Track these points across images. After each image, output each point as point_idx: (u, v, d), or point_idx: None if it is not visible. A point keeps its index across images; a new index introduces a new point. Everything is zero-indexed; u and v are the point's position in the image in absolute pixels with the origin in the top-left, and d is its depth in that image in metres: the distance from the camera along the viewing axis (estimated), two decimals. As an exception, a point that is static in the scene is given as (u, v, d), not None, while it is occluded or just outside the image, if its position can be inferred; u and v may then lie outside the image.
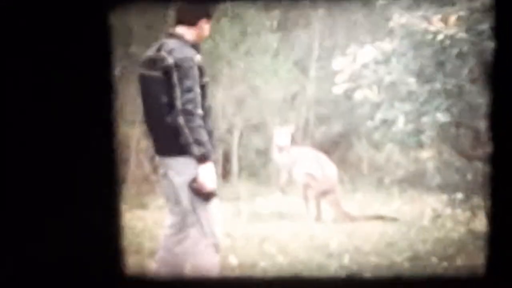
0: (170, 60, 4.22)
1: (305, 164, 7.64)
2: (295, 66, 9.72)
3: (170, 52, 4.25)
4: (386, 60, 5.70)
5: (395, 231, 6.61)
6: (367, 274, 5.20)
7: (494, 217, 2.64)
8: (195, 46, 4.36)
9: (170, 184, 4.39)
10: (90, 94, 2.59)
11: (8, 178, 2.62)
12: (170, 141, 4.26)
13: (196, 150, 4.17)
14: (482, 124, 5.37)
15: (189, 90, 4.18)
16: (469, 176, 5.69)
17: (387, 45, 5.73)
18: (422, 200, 7.63)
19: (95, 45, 2.57)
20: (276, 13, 9.31)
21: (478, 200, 5.70)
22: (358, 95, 5.75)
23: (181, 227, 4.45)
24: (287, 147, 7.77)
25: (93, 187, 2.64)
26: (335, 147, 9.77)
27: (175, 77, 4.20)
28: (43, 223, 2.64)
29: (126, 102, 7.11)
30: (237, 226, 6.94)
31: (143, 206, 7.69)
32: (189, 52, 4.27)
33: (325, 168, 7.63)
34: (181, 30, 4.37)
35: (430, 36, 5.30)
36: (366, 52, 5.73)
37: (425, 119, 5.50)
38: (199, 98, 4.22)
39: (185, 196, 4.30)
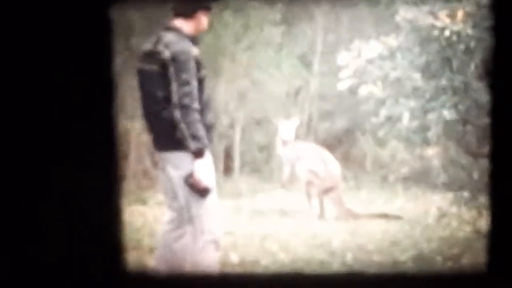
0: (166, 54, 4.22)
1: (308, 161, 7.63)
2: (298, 61, 9.71)
3: (167, 45, 4.25)
4: (391, 56, 5.70)
5: (399, 229, 6.60)
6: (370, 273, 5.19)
7: (496, 216, 2.64)
8: (193, 38, 4.35)
9: (168, 179, 4.40)
10: (91, 90, 2.59)
11: (8, 176, 2.63)
12: (167, 135, 4.26)
13: (192, 144, 4.18)
14: (489, 122, 5.36)
15: (186, 83, 4.18)
16: (475, 174, 5.67)
17: (392, 40, 5.72)
18: (427, 198, 7.62)
19: (95, 40, 2.57)
20: (279, 6, 9.29)
21: (484, 199, 5.68)
22: (362, 91, 5.75)
23: (179, 223, 4.45)
24: (291, 141, 7.77)
25: (93, 184, 2.64)
26: (338, 143, 9.77)
27: (171, 71, 4.20)
28: (43, 220, 2.65)
29: (126, 96, 7.12)
30: (238, 223, 6.94)
31: (142, 201, 7.69)
32: (186, 45, 4.26)
33: (328, 166, 7.62)
34: (178, 22, 4.36)
35: (436, 32, 5.29)
36: (371, 47, 5.73)
37: (430, 116, 5.49)
38: (196, 92, 4.22)
39: (182, 191, 4.31)
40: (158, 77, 4.25)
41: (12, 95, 2.59)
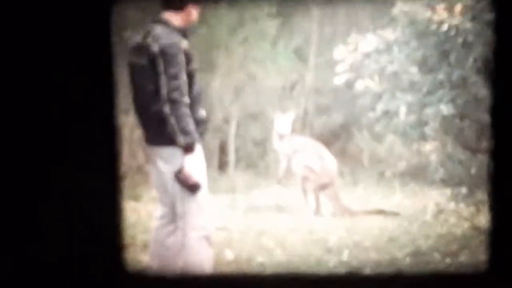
0: (155, 48, 4.21)
1: (305, 156, 7.62)
2: (294, 54, 9.70)
3: (155, 39, 4.24)
4: (388, 49, 5.70)
5: (396, 226, 6.61)
6: (367, 270, 5.20)
7: (495, 213, 2.64)
8: (183, 31, 4.34)
9: (159, 173, 4.40)
10: (91, 90, 2.60)
11: (8, 176, 2.63)
12: (158, 130, 4.26)
13: (181, 139, 4.18)
14: (487, 117, 5.36)
15: (175, 78, 4.18)
16: (474, 170, 5.67)
17: (389, 34, 5.73)
18: (425, 194, 7.62)
19: (95, 39, 2.57)
20: (274, -1, 9.28)
21: (482, 195, 5.69)
22: (359, 85, 5.76)
23: (171, 218, 4.46)
24: (288, 135, 7.77)
25: (93, 184, 2.65)
26: (334, 138, 9.76)
27: (160, 65, 4.20)
28: (43, 220, 2.65)
29: (119, 89, 7.08)
30: (234, 219, 6.95)
31: (136, 197, 7.68)
32: (175, 38, 4.26)
33: (325, 161, 7.62)
34: (168, 15, 4.36)
35: (434, 26, 5.30)
36: (368, 41, 5.73)
37: (428, 110, 5.50)
38: (185, 86, 4.22)
39: (173, 186, 4.31)
40: (147, 71, 4.25)
41: (12, 95, 2.59)
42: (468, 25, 5.18)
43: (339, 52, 5.81)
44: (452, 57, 5.42)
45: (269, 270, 5.31)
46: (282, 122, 7.79)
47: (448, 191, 6.09)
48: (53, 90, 2.59)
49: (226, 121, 9.43)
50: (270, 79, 9.38)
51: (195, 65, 4.36)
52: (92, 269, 2.69)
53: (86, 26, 2.56)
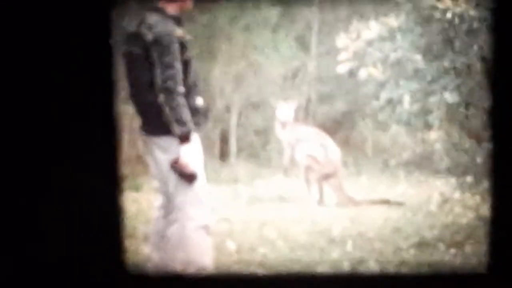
0: (149, 37, 4.22)
1: (308, 145, 7.62)
2: (296, 42, 9.69)
3: (149, 27, 4.24)
4: (392, 37, 5.70)
5: (400, 216, 6.61)
6: (371, 261, 5.22)
7: (500, 201, 2.66)
8: (177, 19, 4.34)
9: (157, 163, 4.42)
10: (91, 90, 2.61)
11: (8, 176, 2.65)
12: (154, 119, 4.28)
13: (176, 129, 4.19)
14: (492, 105, 5.36)
15: (169, 67, 4.19)
16: (479, 159, 5.68)
17: (392, 21, 5.72)
18: (429, 183, 7.62)
19: (96, 40, 2.59)
20: (276, -14, 9.27)
21: (488, 184, 5.69)
22: (362, 73, 5.77)
23: (169, 208, 4.46)
24: (290, 123, 7.76)
25: (93, 184, 2.67)
26: (338, 127, 9.75)
27: (154, 54, 4.21)
28: (43, 220, 2.67)
29: (118, 78, 7.08)
30: (236, 209, 6.96)
31: (136, 187, 7.68)
32: (170, 26, 4.26)
33: (329, 151, 7.62)
34: (162, 3, 4.36)
35: (438, 14, 5.29)
36: (371, 28, 5.73)
37: (432, 98, 5.51)
38: (180, 75, 4.23)
39: (170, 176, 4.33)
40: (142, 60, 4.26)
41: (12, 95, 2.61)
42: (473, 12, 5.18)
43: (342, 40, 5.81)
44: (457, 44, 5.42)
45: (272, 261, 5.32)
46: (285, 110, 7.79)
47: (453, 180, 6.09)
48: (52, 91, 2.61)
49: (227, 110, 9.43)
50: (271, 67, 9.37)
51: (190, 53, 4.36)
52: (92, 269, 2.71)
53: (85, 27, 2.58)
